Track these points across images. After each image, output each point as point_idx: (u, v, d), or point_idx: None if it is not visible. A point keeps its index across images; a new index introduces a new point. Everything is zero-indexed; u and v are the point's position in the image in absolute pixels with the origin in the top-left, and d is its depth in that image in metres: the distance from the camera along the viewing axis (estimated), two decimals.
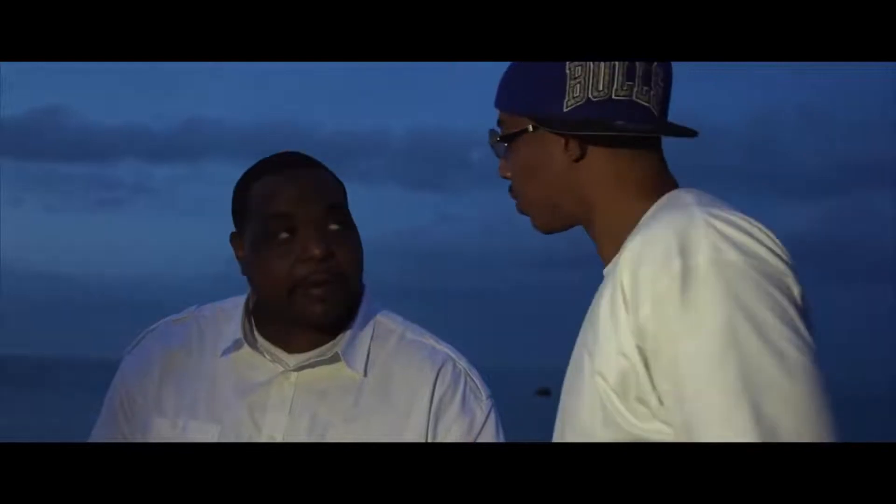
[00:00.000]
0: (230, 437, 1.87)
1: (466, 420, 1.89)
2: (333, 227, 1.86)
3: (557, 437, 1.49)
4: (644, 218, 1.46)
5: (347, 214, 1.91)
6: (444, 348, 1.95)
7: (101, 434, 1.98)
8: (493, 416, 1.92)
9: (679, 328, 1.31)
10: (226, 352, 1.92)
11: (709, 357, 1.29)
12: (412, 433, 1.87)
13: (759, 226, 1.37)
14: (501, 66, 1.58)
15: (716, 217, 1.35)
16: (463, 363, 1.94)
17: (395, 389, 1.89)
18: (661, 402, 1.34)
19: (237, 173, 1.96)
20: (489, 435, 1.90)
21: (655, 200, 1.48)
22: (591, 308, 1.49)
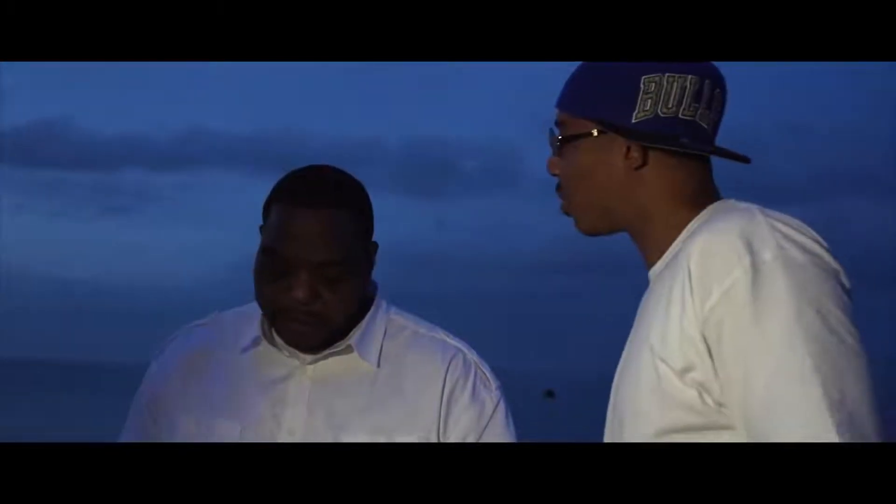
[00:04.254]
0: (252, 433, 1.93)
1: (477, 409, 1.96)
2: (328, 276, 1.88)
3: (611, 432, 1.58)
4: (695, 221, 1.57)
5: (346, 265, 1.89)
6: (454, 342, 2.02)
7: (129, 435, 2.05)
8: (502, 405, 1.99)
9: (748, 317, 1.40)
10: (245, 349, 1.99)
11: (779, 343, 1.39)
12: (424, 422, 1.93)
13: (810, 229, 1.47)
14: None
15: (775, 219, 1.46)
16: (473, 356, 2.01)
17: (407, 380, 1.96)
18: (721, 389, 1.43)
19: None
20: (499, 423, 1.97)
21: (702, 209, 1.58)
22: (643, 308, 1.58)
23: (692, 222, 1.57)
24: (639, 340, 1.54)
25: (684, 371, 1.44)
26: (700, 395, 1.44)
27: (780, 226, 1.45)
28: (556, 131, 1.65)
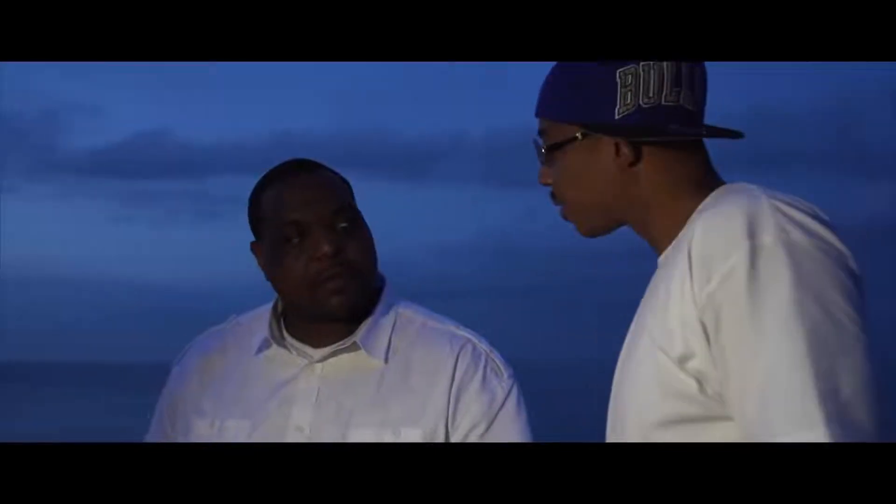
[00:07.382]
0: (261, 431, 1.94)
1: (487, 398, 1.94)
2: (342, 225, 1.94)
3: (613, 427, 1.53)
4: (701, 206, 1.51)
5: (355, 212, 1.98)
6: (464, 333, 2.00)
7: (150, 438, 2.09)
8: (514, 393, 1.96)
9: (745, 304, 1.34)
10: (259, 351, 2.01)
11: (774, 332, 1.33)
12: (432, 415, 1.92)
13: (819, 211, 1.41)
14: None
15: (780, 200, 1.40)
16: (484, 345, 1.99)
17: (415, 373, 1.95)
18: (719, 380, 1.37)
19: None
20: (509, 412, 1.94)
21: (708, 194, 1.52)
22: (646, 296, 1.53)
23: (700, 206, 1.51)
24: (638, 329, 1.50)
25: (683, 359, 1.39)
26: (700, 384, 1.39)
27: (783, 207, 1.39)
28: (540, 141, 1.60)
